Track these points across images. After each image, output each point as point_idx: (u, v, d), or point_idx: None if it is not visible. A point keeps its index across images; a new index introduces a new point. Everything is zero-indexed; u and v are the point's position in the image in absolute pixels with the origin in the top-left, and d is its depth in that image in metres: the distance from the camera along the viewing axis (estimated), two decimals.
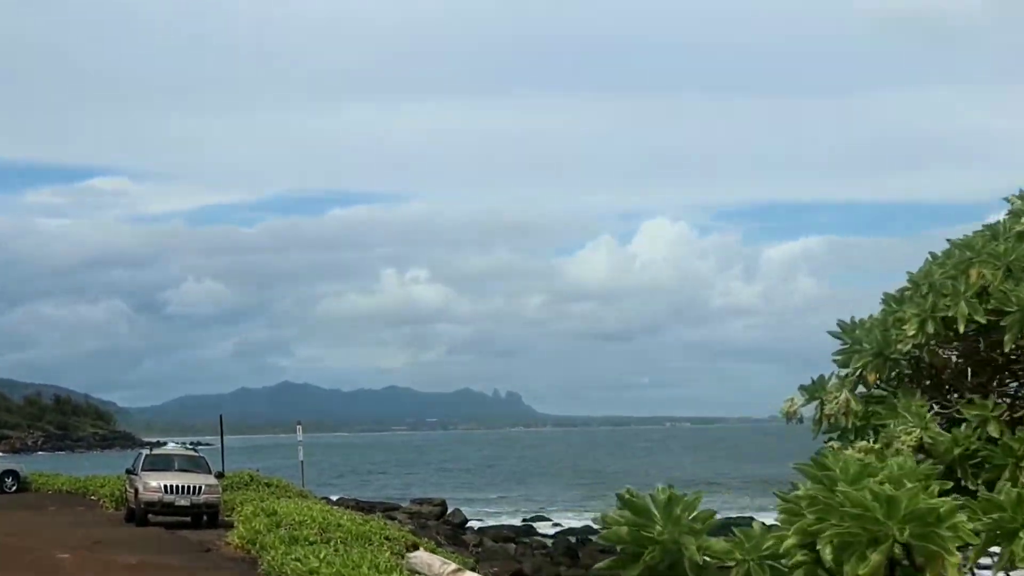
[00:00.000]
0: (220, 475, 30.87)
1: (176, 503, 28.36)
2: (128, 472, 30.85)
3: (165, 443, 32.52)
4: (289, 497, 32.73)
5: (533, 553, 36.31)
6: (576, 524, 53.68)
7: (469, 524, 48.23)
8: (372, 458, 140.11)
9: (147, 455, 30.54)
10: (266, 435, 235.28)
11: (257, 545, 21.64)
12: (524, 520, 54.34)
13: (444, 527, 42.60)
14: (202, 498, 28.56)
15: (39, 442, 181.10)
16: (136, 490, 28.90)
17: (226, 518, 30.02)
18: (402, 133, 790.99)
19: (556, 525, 53.43)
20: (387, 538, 23.66)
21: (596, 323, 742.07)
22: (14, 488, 45.35)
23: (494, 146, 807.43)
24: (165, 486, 28.38)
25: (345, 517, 25.29)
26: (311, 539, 21.27)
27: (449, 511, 50.35)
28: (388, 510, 45.12)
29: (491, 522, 52.80)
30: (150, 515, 28.98)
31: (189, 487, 28.49)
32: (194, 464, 30.37)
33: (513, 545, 38.86)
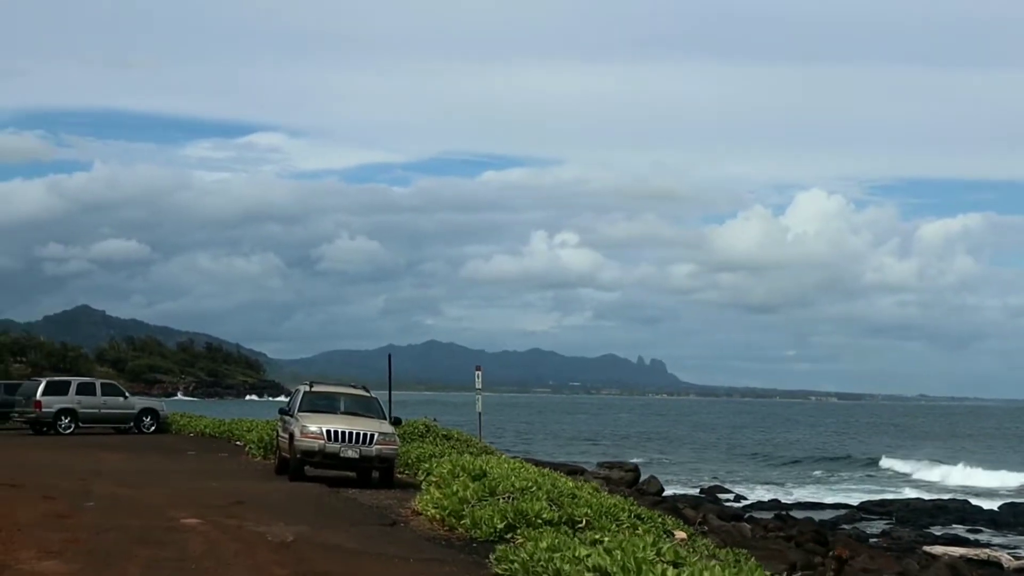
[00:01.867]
0: (397, 421, 24.03)
1: (341, 453, 21.65)
2: (282, 413, 24.23)
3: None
4: (473, 453, 26.00)
5: (789, 537, 28.70)
6: (764, 497, 46.13)
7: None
8: (523, 417, 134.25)
9: (306, 392, 23.84)
10: (412, 391, 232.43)
11: (468, 521, 14.63)
12: (701, 491, 46.61)
13: (643, 497, 35.20)
14: (374, 449, 21.80)
15: (190, 387, 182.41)
16: (291, 435, 22.31)
17: (400, 475, 23.35)
18: (557, 97, 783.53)
19: (741, 498, 45.62)
20: (638, 517, 16.51)
21: (743, 294, 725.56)
22: (152, 428, 40.10)
23: (646, 111, 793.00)
24: (328, 432, 21.71)
25: (571, 484, 18.18)
26: (546, 516, 14.23)
27: (643, 477, 43.10)
28: (572, 473, 38.04)
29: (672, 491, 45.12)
30: (307, 467, 22.40)
31: (359, 434, 21.77)
32: (365, 406, 23.64)
33: (747, 525, 31.28)
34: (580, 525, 14.38)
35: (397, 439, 22.80)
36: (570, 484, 17.82)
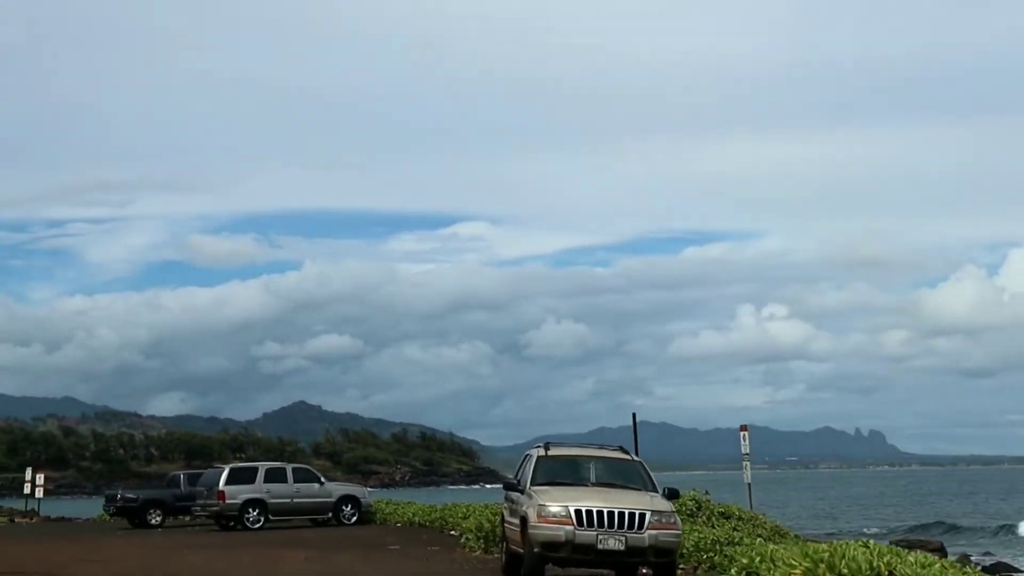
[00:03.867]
0: (673, 494, 16.69)
1: (600, 544, 14.56)
2: (508, 490, 17.13)
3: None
4: (767, 536, 18.73)
5: None
6: None
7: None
8: (775, 493, 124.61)
9: (541, 458, 16.75)
10: None
11: None
12: None
13: None
14: (647, 535, 14.68)
15: (406, 477, 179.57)
16: (523, 520, 15.34)
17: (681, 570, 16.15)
18: (753, 169, 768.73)
19: None
20: None
21: (961, 359, 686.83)
22: (354, 518, 34.07)
23: (846, 178, 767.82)
24: (578, 512, 14.72)
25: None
26: None
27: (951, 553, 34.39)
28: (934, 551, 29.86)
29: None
30: (552, 564, 15.47)
31: (623, 515, 14.74)
32: (625, 474, 16.48)
33: None
34: None
35: (678, 520, 15.54)
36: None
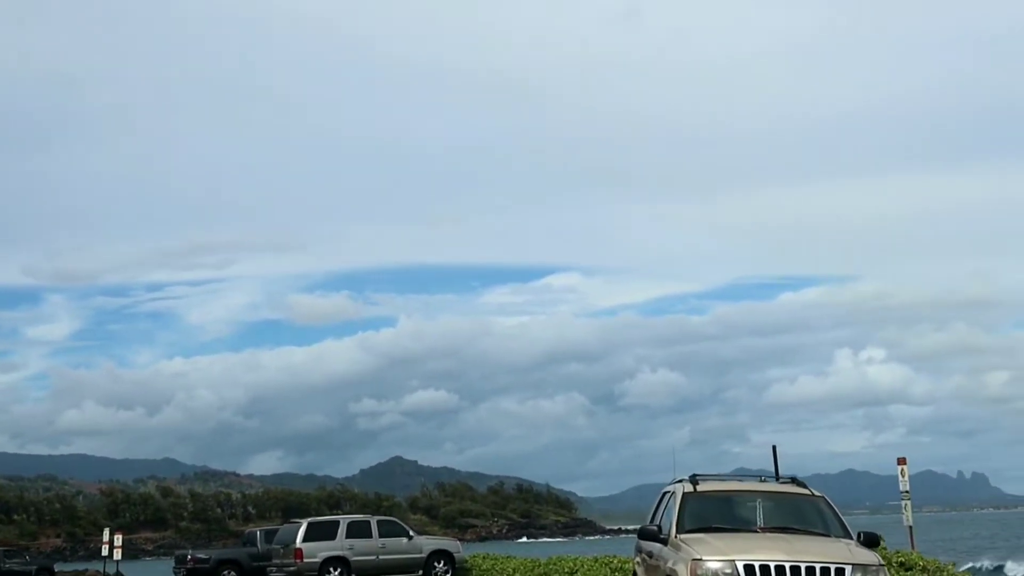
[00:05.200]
0: (873, 541, 12.42)
1: None
2: (644, 538, 13.05)
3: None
4: None
5: None
6: None
7: None
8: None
9: (688, 496, 12.73)
10: None
11: None
12: None
13: None
14: None
15: (503, 530, 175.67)
16: None
17: None
18: (848, 212, 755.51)
19: None
20: None
21: None
22: (447, 574, 30.29)
23: (943, 220, 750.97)
24: (750, 569, 10.79)
25: None
26: None
27: None
28: None
29: None
30: None
31: (814, 572, 10.75)
32: (803, 513, 12.45)
33: None
34: None
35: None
36: None
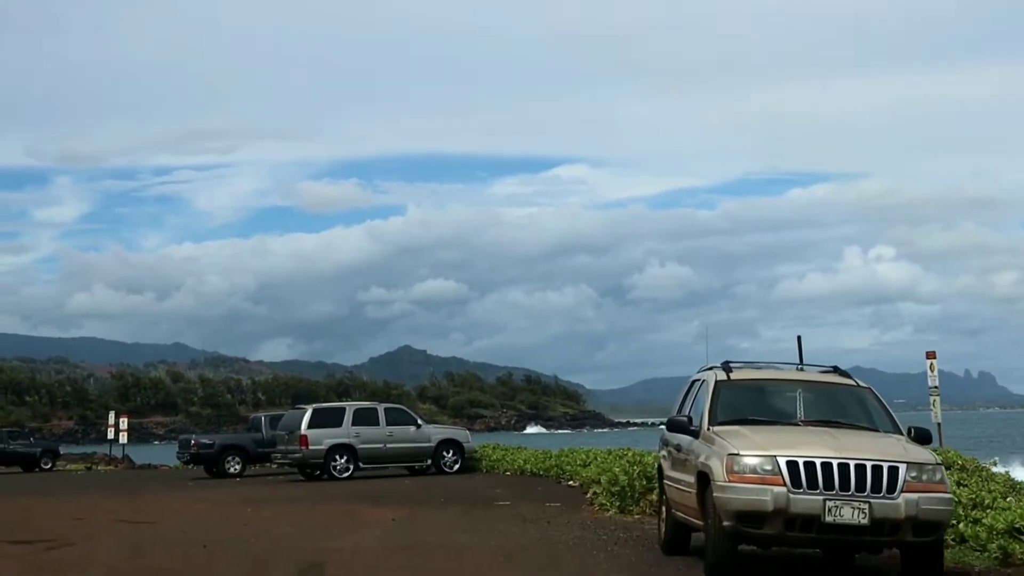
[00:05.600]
0: (926, 437, 10.70)
1: (830, 516, 9.42)
2: (674, 430, 11.56)
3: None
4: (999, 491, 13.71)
5: None
6: None
7: None
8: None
9: (722, 384, 11.26)
10: None
11: None
12: None
13: None
14: (901, 501, 9.44)
15: (512, 421, 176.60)
16: (701, 477, 10.14)
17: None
18: (857, 109, 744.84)
19: None
20: None
21: None
22: (456, 466, 29.68)
23: (952, 118, 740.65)
24: (793, 465, 9.56)
25: None
26: None
27: None
28: None
29: None
30: (748, 544, 10.20)
31: (864, 469, 9.53)
32: (848, 406, 11.21)
33: None
34: None
35: (946, 478, 10.06)
36: None
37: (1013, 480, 16.51)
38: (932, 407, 22.90)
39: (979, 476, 15.37)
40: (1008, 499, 12.91)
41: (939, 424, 22.45)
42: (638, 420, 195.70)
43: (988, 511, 11.60)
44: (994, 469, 16.45)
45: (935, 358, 23.21)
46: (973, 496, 12.44)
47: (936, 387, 23.06)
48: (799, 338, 21.17)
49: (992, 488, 13.70)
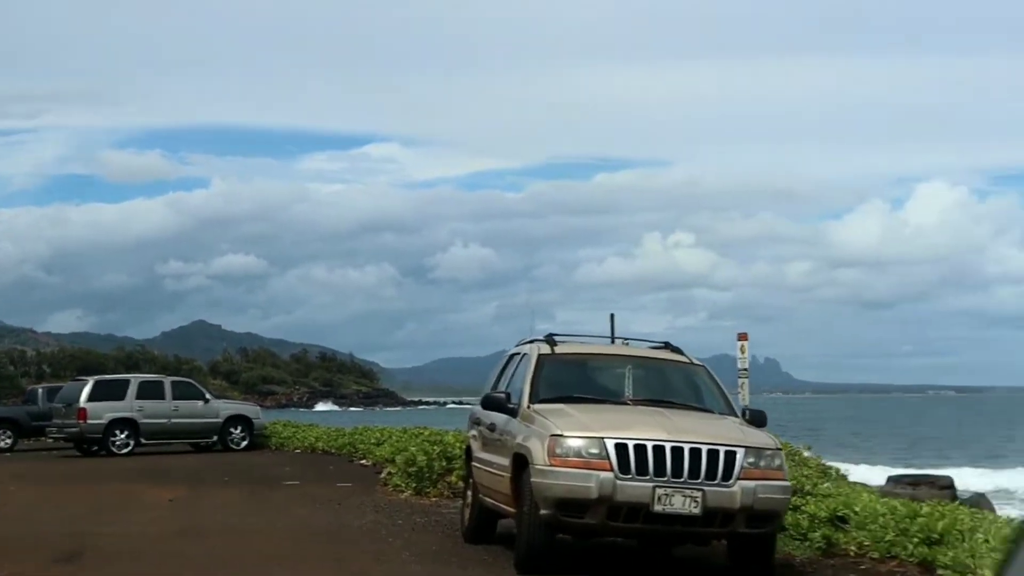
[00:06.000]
0: (760, 419, 10.09)
1: (658, 506, 8.70)
2: (489, 407, 10.52)
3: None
4: (827, 476, 13.80)
5: None
6: None
7: None
8: None
9: (544, 357, 10.24)
10: None
11: None
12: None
13: None
14: (738, 489, 8.81)
15: (304, 397, 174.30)
16: (518, 459, 9.35)
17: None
18: (665, 97, 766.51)
19: None
20: None
21: (861, 290, 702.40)
22: (244, 443, 28.49)
23: (755, 109, 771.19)
24: (622, 448, 8.79)
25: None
26: None
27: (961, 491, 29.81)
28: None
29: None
30: (564, 535, 9.46)
31: (698, 453, 8.85)
32: (680, 385, 10.57)
33: None
34: None
35: (784, 464, 9.47)
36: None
37: (824, 465, 16.75)
38: (740, 389, 23.12)
39: (792, 461, 15.43)
40: (826, 485, 12.87)
41: (747, 407, 22.72)
42: (430, 399, 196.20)
43: (808, 497, 11.35)
44: (806, 454, 16.53)
45: (747, 340, 23.36)
46: (792, 482, 12.34)
47: (746, 369, 23.24)
48: (612, 316, 20.95)
49: (807, 473, 13.72)
